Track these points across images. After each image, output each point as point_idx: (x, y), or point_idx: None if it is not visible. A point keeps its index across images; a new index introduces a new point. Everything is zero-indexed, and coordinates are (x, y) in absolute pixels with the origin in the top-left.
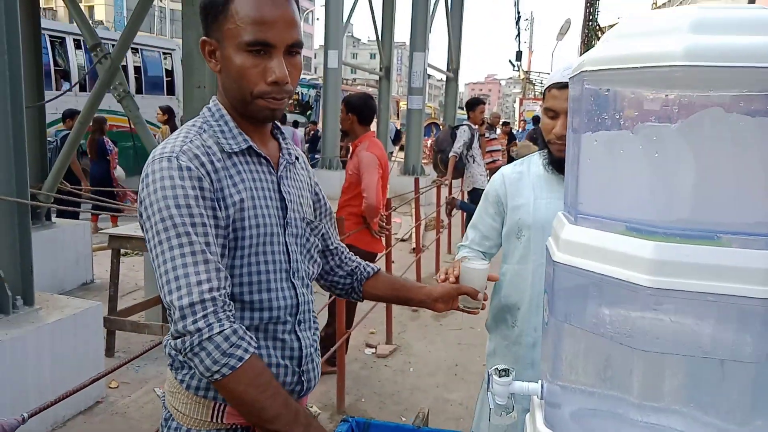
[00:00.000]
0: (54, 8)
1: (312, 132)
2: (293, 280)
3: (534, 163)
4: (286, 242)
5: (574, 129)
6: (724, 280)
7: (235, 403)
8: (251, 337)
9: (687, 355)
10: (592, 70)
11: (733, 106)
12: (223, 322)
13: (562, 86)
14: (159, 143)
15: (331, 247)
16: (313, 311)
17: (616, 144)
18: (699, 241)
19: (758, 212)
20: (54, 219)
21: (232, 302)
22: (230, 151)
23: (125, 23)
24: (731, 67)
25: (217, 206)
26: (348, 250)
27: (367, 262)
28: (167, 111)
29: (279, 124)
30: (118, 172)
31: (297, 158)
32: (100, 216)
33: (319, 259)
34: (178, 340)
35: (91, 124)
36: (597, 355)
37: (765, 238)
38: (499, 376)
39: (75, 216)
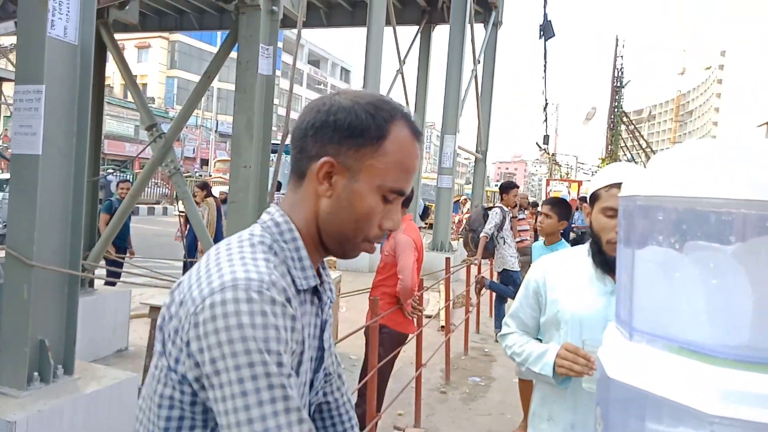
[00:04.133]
0: (110, 84)
1: None
2: None
3: (575, 255)
4: (309, 402)
5: (625, 244)
6: None
7: None
8: None
9: None
10: (647, 195)
11: None
12: None
13: None
14: (204, 218)
15: (336, 399)
16: None
17: (671, 265)
18: (761, 368)
19: None
20: (96, 286)
21: None
22: (300, 288)
23: (174, 100)
24: None
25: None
26: (348, 407)
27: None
28: (204, 187)
29: None
30: None
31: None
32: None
33: None
34: None
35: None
36: None
37: None
38: None
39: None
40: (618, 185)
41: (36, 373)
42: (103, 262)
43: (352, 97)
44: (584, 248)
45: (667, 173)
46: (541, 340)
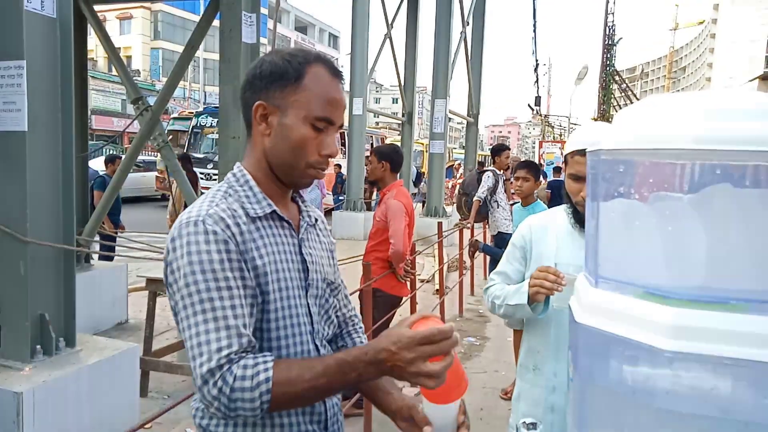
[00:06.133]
0: (94, 58)
1: (337, 174)
2: (316, 342)
3: (559, 215)
4: (307, 304)
5: (592, 198)
6: (740, 346)
7: (299, 406)
8: (261, 356)
9: (707, 415)
10: (609, 149)
11: (739, 181)
12: (231, 368)
13: (585, 152)
14: (176, 191)
15: (344, 313)
16: None
17: (632, 214)
18: (713, 306)
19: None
20: (92, 261)
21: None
22: (254, 215)
23: (160, 72)
24: (736, 151)
25: (244, 267)
26: (359, 322)
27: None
28: (183, 158)
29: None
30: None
31: (316, 220)
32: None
33: (336, 320)
34: (212, 408)
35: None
36: (621, 411)
37: None
38: (527, 430)
39: (110, 256)
40: (580, 152)
41: (38, 346)
42: (97, 238)
43: (276, 53)
44: (565, 207)
45: (628, 128)
46: None
